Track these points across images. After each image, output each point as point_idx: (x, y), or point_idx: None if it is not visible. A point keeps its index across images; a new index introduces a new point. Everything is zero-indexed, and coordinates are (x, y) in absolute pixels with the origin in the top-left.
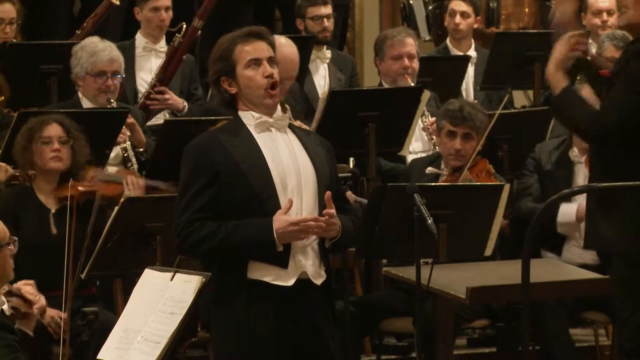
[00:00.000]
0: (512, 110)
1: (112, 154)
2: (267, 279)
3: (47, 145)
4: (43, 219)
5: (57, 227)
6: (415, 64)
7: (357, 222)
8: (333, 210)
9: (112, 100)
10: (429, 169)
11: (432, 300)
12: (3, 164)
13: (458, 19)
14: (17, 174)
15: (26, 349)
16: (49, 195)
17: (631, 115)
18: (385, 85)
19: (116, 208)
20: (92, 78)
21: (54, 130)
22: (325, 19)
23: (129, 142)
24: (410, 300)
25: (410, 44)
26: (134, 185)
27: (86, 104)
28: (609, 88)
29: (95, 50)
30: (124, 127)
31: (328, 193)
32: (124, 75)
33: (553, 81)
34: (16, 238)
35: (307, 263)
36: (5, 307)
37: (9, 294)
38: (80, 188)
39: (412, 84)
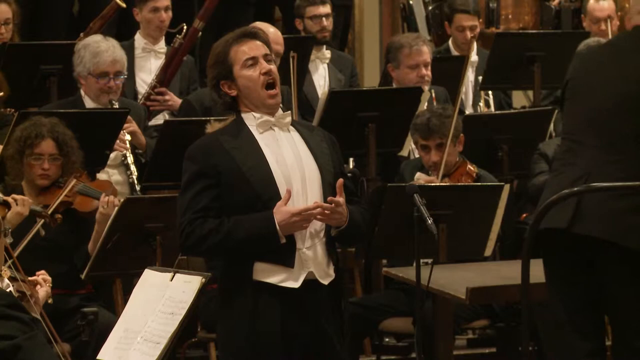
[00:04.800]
0: (512, 111)
1: (112, 155)
2: (273, 281)
3: (37, 161)
4: (30, 221)
5: (45, 229)
6: (430, 71)
7: (367, 214)
8: (341, 199)
9: (114, 102)
10: (418, 175)
11: (432, 300)
12: (23, 198)
13: (468, 34)
14: (44, 213)
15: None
16: (34, 199)
17: None
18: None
19: (116, 208)
20: (94, 79)
21: (47, 146)
22: (324, 19)
23: (129, 150)
24: (410, 301)
25: (426, 52)
26: (108, 206)
27: (88, 102)
28: None
29: (97, 50)
30: (125, 133)
31: (340, 180)
32: (126, 74)
33: None
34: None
35: (314, 262)
36: (11, 289)
37: (13, 279)
38: (58, 198)
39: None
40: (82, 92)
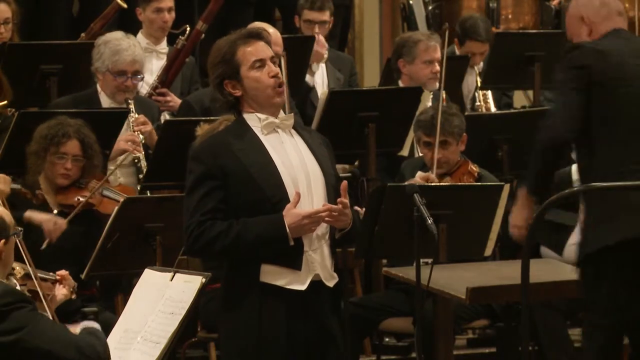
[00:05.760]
0: (512, 111)
1: (121, 157)
2: (280, 283)
3: (60, 160)
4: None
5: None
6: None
7: (359, 217)
8: (347, 200)
9: (130, 100)
10: (419, 174)
11: (432, 300)
12: (4, 177)
13: (478, 59)
14: (24, 191)
15: None
16: (52, 196)
17: (565, 114)
18: (402, 86)
19: (116, 208)
20: (111, 76)
21: (72, 147)
22: (317, 25)
23: (142, 152)
24: (410, 301)
25: (439, 49)
26: None
27: (104, 98)
28: None
29: (118, 48)
30: (139, 134)
31: (344, 183)
32: (144, 75)
33: (523, 206)
34: (21, 229)
35: (320, 264)
36: (18, 288)
37: (27, 276)
38: (80, 198)
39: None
40: (98, 88)
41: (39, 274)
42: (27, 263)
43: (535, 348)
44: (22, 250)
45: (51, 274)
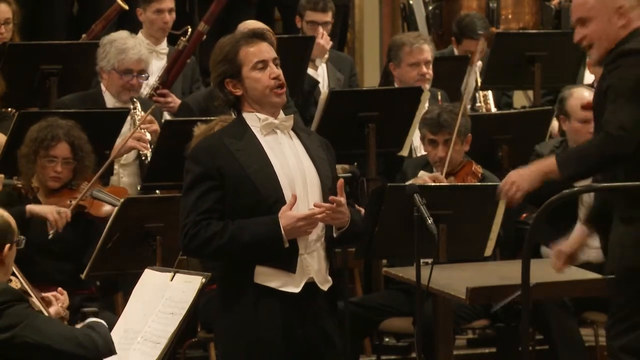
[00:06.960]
0: (512, 111)
1: (125, 155)
2: (274, 285)
3: (50, 163)
4: (40, 221)
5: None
6: (431, 70)
7: (361, 216)
8: (342, 199)
9: (135, 100)
10: (421, 173)
11: (432, 300)
12: None
13: (476, 58)
14: (20, 185)
15: None
16: (45, 200)
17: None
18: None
19: (116, 208)
20: (117, 75)
21: (61, 150)
22: (320, 27)
23: (149, 151)
24: (410, 301)
25: (427, 51)
26: None
27: (108, 97)
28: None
29: (124, 47)
30: (146, 132)
31: (340, 181)
32: (149, 75)
33: (541, 173)
34: (24, 237)
35: (314, 268)
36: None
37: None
38: (72, 201)
39: (429, 89)
40: (102, 87)
41: (26, 286)
42: (17, 275)
43: (535, 348)
44: (16, 267)
45: (42, 294)
